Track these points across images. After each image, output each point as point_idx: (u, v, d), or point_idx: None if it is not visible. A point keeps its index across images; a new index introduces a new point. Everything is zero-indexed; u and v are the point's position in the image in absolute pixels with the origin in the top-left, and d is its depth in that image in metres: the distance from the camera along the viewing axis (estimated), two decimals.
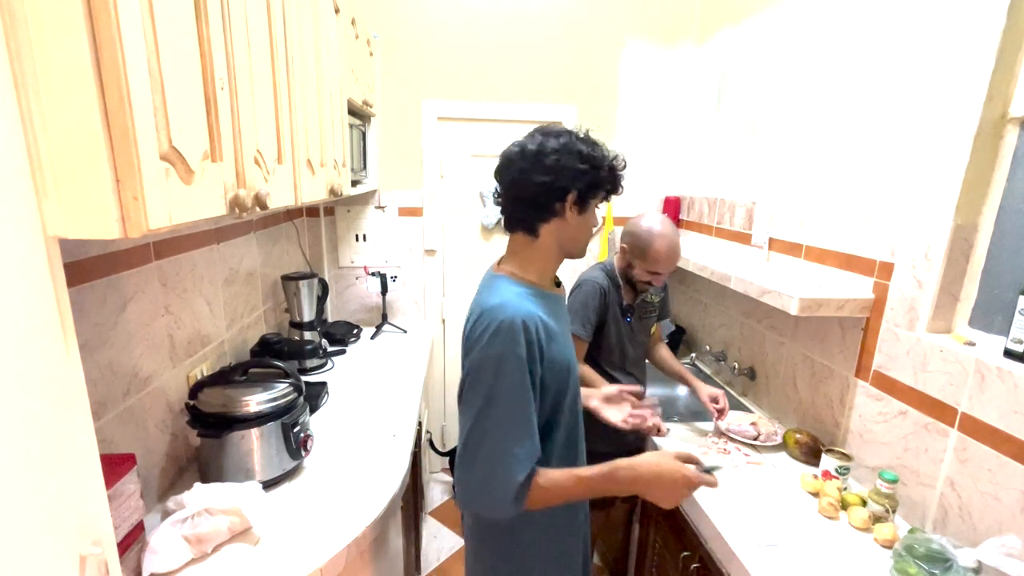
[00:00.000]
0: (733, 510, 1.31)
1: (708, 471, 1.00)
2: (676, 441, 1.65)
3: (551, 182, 0.93)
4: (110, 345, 1.07)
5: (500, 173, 1.00)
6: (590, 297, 1.61)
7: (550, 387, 0.97)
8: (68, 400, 0.56)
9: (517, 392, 0.89)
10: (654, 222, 1.58)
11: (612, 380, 1.64)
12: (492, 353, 0.89)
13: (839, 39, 1.59)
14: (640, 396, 1.59)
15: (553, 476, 0.95)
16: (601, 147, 0.99)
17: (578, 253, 1.06)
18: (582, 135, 0.98)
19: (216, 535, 1.02)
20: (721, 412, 1.66)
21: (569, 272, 2.48)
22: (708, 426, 1.73)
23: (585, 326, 1.60)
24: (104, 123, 0.56)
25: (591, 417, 1.67)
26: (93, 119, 0.55)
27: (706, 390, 1.71)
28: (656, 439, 1.65)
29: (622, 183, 1.02)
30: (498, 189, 1.01)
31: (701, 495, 1.36)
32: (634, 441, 1.70)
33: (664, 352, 1.90)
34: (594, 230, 1.08)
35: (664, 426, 1.65)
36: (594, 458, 1.66)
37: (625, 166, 1.02)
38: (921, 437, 1.27)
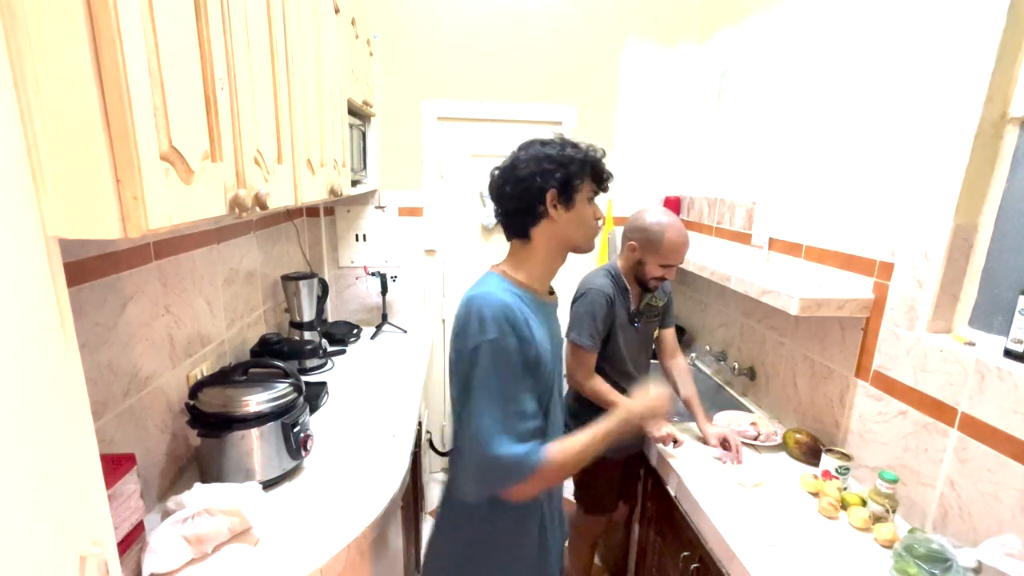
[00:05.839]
0: (733, 510, 1.31)
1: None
2: None
3: (527, 188, 1.03)
4: (110, 345, 1.07)
5: (490, 193, 1.11)
6: (597, 306, 1.54)
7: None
8: (68, 400, 0.56)
9: (494, 376, 0.94)
10: (660, 214, 1.56)
11: (619, 388, 1.63)
12: (469, 345, 0.95)
13: (839, 39, 1.59)
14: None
15: (559, 446, 0.99)
16: (568, 145, 1.05)
17: (583, 246, 1.10)
18: (549, 140, 1.07)
19: (216, 535, 1.01)
20: (731, 450, 1.54)
21: (572, 276, 2.48)
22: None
23: (593, 337, 1.53)
24: (104, 123, 0.55)
25: (595, 420, 1.67)
26: (93, 119, 0.55)
27: (713, 432, 1.58)
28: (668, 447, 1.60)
29: (602, 170, 1.07)
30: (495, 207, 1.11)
31: (701, 495, 1.36)
32: (633, 445, 1.70)
33: (682, 375, 1.75)
34: (599, 222, 1.11)
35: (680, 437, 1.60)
36: (594, 461, 1.67)
37: (603, 155, 1.08)
38: (921, 437, 1.27)
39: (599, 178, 1.07)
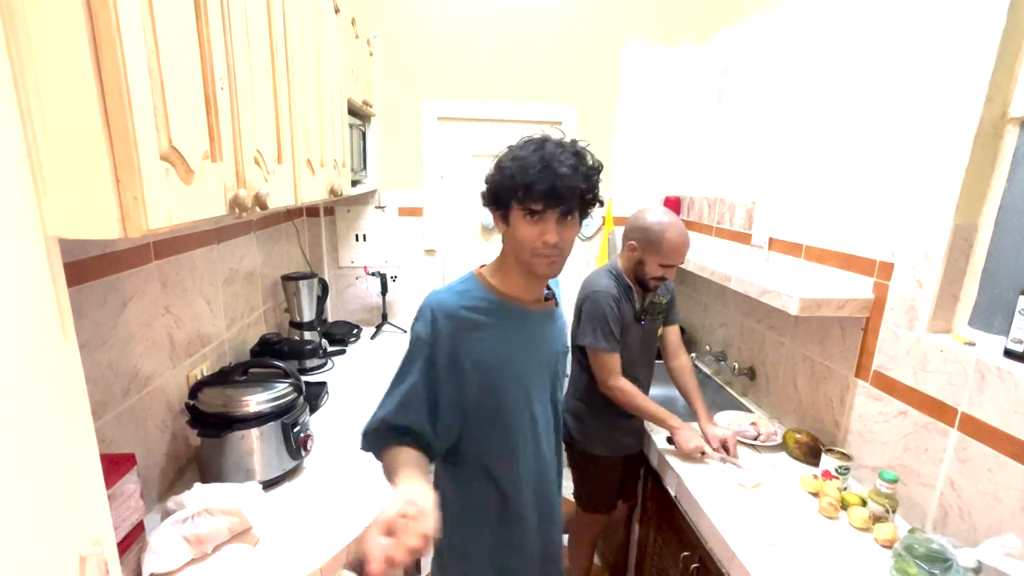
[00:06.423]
0: (733, 510, 1.31)
1: None
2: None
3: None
4: (110, 345, 1.07)
5: None
6: (607, 308, 1.53)
7: (471, 395, 1.00)
8: (68, 400, 0.56)
9: (402, 367, 1.03)
10: (660, 214, 1.55)
11: None
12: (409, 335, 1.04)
13: (839, 39, 1.59)
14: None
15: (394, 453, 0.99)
16: (517, 156, 0.94)
17: (526, 268, 0.98)
18: (516, 143, 0.98)
19: (216, 535, 1.01)
20: (728, 451, 1.54)
21: (572, 277, 2.47)
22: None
23: (607, 338, 1.53)
24: (104, 123, 0.56)
25: (594, 420, 1.67)
26: (93, 119, 0.55)
27: (714, 434, 1.56)
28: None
29: (529, 182, 0.90)
30: None
31: (701, 495, 1.36)
32: (632, 445, 1.70)
33: (685, 375, 1.74)
34: (534, 245, 0.94)
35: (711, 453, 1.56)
36: (594, 460, 1.67)
37: (538, 162, 0.90)
38: (921, 437, 1.27)
39: (528, 193, 0.90)
